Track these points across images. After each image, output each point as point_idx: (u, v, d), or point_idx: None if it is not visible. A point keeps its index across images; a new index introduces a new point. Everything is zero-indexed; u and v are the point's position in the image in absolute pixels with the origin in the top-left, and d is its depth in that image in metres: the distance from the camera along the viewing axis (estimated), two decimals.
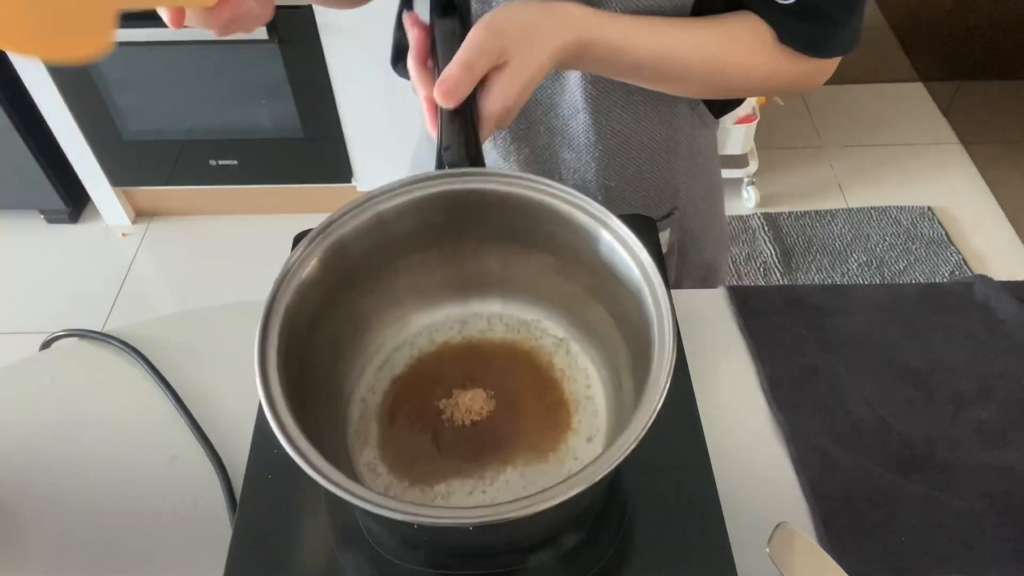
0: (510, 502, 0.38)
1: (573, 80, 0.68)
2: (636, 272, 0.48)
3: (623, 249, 0.49)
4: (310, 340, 0.49)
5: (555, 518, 0.47)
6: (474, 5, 0.63)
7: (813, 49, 0.65)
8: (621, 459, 0.39)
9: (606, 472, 0.39)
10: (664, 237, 0.82)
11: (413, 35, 0.58)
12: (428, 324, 0.59)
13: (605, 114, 0.70)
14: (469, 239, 0.56)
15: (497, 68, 0.54)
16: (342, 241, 0.51)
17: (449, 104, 0.53)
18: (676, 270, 0.87)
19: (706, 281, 0.91)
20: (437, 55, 0.57)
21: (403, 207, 0.53)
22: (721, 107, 0.77)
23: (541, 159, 0.73)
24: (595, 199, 0.61)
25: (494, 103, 0.54)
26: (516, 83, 0.54)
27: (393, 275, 0.56)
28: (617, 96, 0.69)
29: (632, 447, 0.40)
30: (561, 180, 0.73)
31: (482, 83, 0.54)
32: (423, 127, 0.80)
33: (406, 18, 0.60)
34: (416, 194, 0.53)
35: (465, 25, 0.55)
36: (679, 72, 0.64)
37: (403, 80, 0.82)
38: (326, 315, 0.51)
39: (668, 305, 0.46)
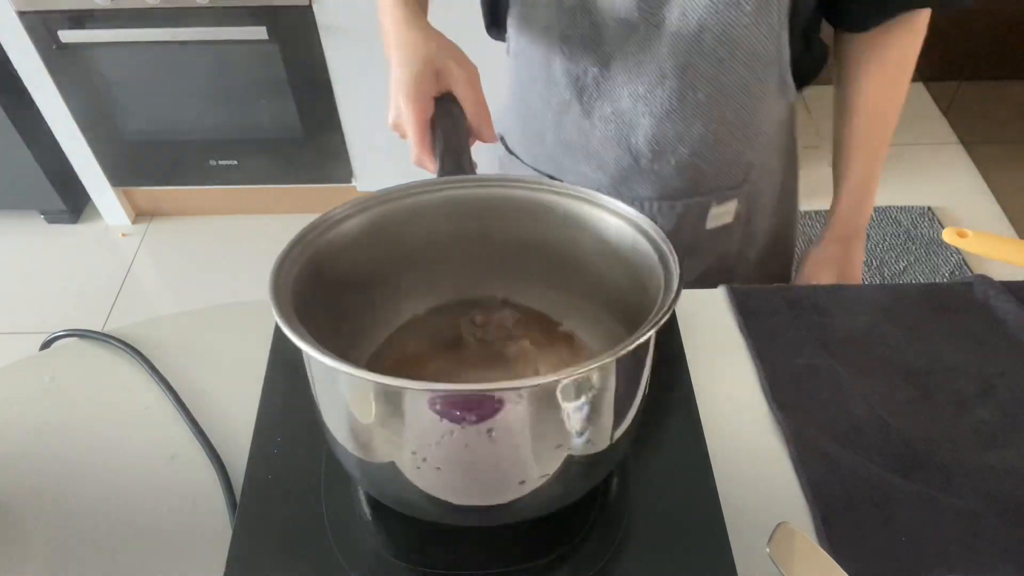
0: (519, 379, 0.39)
1: (664, 48, 0.69)
2: (645, 248, 0.48)
3: (628, 226, 0.50)
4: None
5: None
6: None
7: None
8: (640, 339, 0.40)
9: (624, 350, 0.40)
10: (731, 207, 0.82)
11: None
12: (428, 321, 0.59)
13: (691, 84, 0.71)
14: (472, 242, 0.57)
15: (449, 82, 0.61)
16: (340, 244, 0.51)
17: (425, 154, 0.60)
18: (740, 240, 0.87)
19: (775, 250, 0.91)
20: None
21: (403, 211, 0.53)
22: (803, 80, 0.77)
23: (621, 121, 0.75)
24: (669, 165, 0.71)
25: (474, 106, 0.60)
26: (474, 74, 0.60)
27: (395, 282, 0.57)
28: (706, 68, 0.70)
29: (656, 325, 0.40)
30: (638, 144, 0.76)
31: (457, 106, 0.60)
32: None
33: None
34: (416, 199, 0.54)
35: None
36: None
37: None
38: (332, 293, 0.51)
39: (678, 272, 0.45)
